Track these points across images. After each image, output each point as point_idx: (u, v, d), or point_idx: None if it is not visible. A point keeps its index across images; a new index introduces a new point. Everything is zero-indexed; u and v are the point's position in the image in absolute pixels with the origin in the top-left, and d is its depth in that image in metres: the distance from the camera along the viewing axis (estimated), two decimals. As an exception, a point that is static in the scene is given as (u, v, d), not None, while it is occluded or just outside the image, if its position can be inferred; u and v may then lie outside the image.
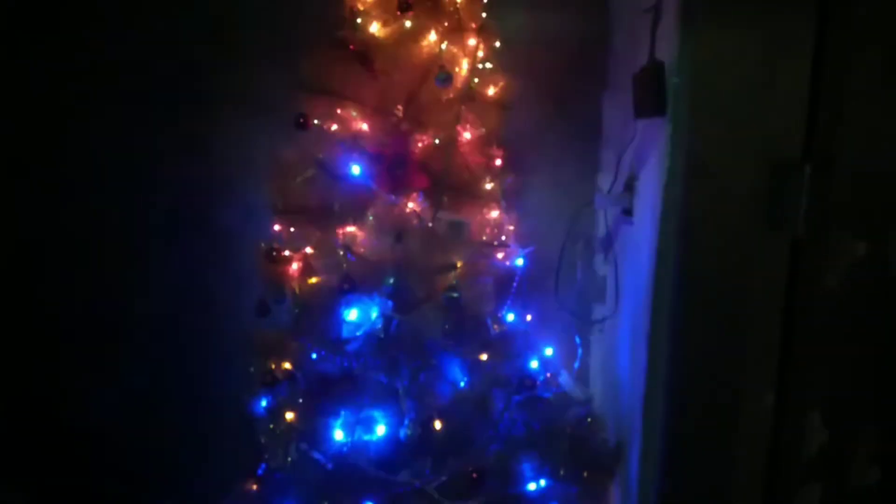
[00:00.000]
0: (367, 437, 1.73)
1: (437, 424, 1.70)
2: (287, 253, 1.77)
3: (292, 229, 1.77)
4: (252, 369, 1.81)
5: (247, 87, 2.19)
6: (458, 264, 1.70)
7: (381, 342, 1.72)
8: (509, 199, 1.82)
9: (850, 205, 1.12)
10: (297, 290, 1.76)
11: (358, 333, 1.72)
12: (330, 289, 1.72)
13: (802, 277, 1.15)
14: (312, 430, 1.75)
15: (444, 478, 1.74)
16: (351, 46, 1.71)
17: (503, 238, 1.82)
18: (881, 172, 1.12)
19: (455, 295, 1.65)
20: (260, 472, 1.85)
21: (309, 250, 1.77)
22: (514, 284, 1.82)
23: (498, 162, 1.80)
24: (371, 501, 1.74)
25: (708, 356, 1.21)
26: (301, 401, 1.77)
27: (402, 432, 1.70)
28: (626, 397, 1.69)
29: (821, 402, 1.17)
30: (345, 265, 1.70)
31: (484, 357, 1.77)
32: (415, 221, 1.68)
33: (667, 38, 1.28)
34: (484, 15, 1.74)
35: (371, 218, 1.69)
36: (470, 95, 1.71)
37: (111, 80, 2.31)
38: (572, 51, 2.00)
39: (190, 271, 2.38)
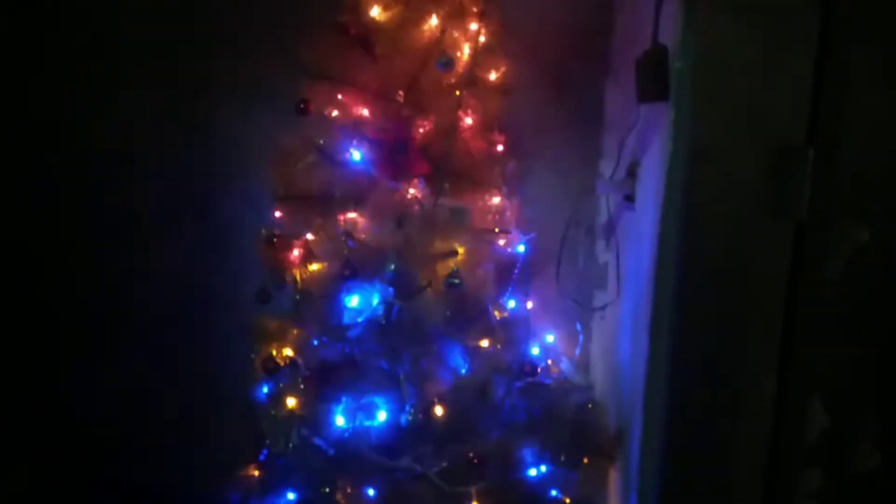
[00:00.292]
0: (368, 423, 1.73)
1: (439, 410, 1.70)
2: (288, 239, 1.77)
3: (293, 216, 1.77)
4: (253, 356, 1.82)
5: (247, 72, 2.18)
6: (460, 251, 1.70)
7: (382, 328, 1.72)
8: (511, 185, 1.81)
9: (854, 190, 1.11)
10: (297, 277, 1.76)
11: (359, 320, 1.72)
12: (331, 275, 1.72)
13: (805, 263, 1.14)
14: (314, 416, 1.76)
15: (444, 463, 1.75)
16: (351, 31, 1.70)
17: (504, 224, 1.81)
18: (886, 157, 1.11)
19: (456, 281, 1.65)
20: (262, 457, 1.86)
21: (310, 237, 1.76)
22: (516, 271, 1.81)
23: (499, 148, 1.79)
24: (372, 487, 1.75)
25: (709, 342, 1.21)
26: (302, 387, 1.78)
27: (404, 418, 1.70)
28: (626, 384, 1.70)
29: (822, 387, 1.17)
30: (346, 251, 1.70)
31: (485, 343, 1.77)
32: (416, 207, 1.68)
33: (670, 22, 1.27)
34: (485, -1, 1.72)
35: (372, 204, 1.68)
36: (471, 80, 1.70)
37: (109, 66, 2.29)
38: (575, 35, 1.98)
39: (190, 258, 2.38)
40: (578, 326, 2.08)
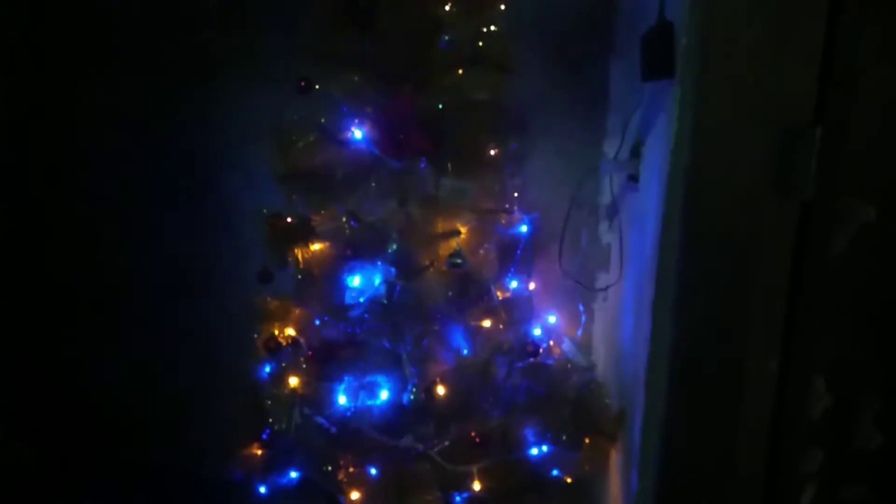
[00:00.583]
0: (370, 403, 1.74)
1: (440, 390, 1.71)
2: (290, 219, 1.76)
3: (295, 196, 1.76)
4: (255, 335, 1.82)
5: (248, 50, 2.16)
6: (462, 230, 1.69)
7: (384, 308, 1.72)
8: (514, 164, 1.80)
9: (859, 168, 1.10)
10: (299, 257, 1.76)
11: (361, 300, 1.72)
12: (333, 255, 1.72)
13: (810, 242, 1.14)
14: (316, 396, 1.77)
15: (446, 443, 1.76)
16: (354, 8, 1.67)
17: (507, 204, 1.81)
18: (892, 135, 1.10)
19: (458, 261, 1.64)
20: (264, 436, 1.87)
21: (312, 216, 1.76)
22: (518, 251, 1.81)
23: (503, 127, 1.77)
24: (374, 465, 1.76)
25: (712, 322, 1.20)
26: (304, 366, 1.78)
27: (405, 397, 1.71)
28: (628, 365, 1.70)
29: (825, 367, 1.17)
30: (348, 231, 1.70)
31: (487, 323, 1.77)
32: (418, 187, 1.67)
33: (677, -2, 1.25)
34: (489, -25, 1.70)
35: (374, 183, 1.68)
36: (475, 58, 1.68)
37: (109, 46, 2.28)
38: (579, 13, 1.96)
39: (192, 239, 2.38)
40: (581, 307, 2.08)
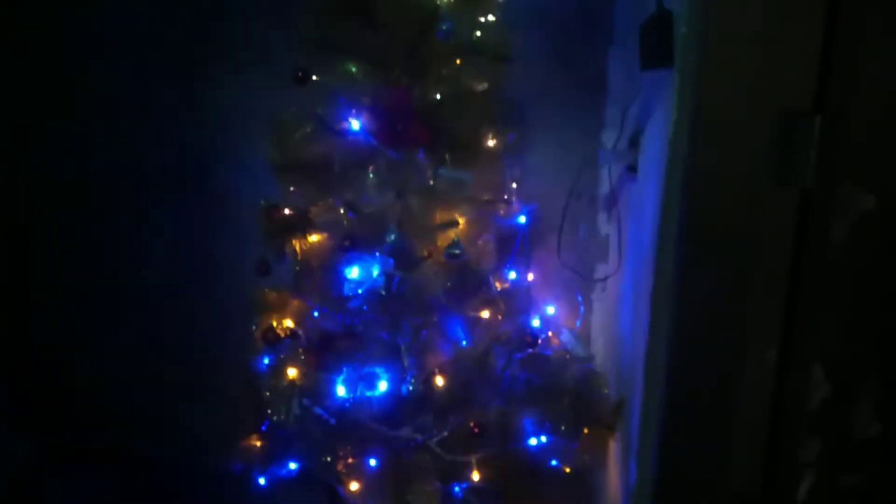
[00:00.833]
0: (369, 393, 1.74)
1: (439, 381, 1.71)
2: (287, 211, 1.76)
3: (292, 187, 1.76)
4: (254, 327, 1.82)
5: (245, 41, 2.15)
6: (460, 221, 1.69)
7: (382, 299, 1.72)
8: (512, 155, 1.79)
9: (859, 157, 1.10)
10: (297, 248, 1.76)
11: (359, 291, 1.72)
12: (331, 246, 1.72)
13: (809, 231, 1.13)
14: (315, 387, 1.77)
15: (445, 433, 1.76)
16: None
17: (505, 195, 1.80)
18: (893, 124, 1.09)
19: (457, 252, 1.64)
20: (263, 427, 1.87)
21: (309, 208, 1.75)
22: (517, 242, 1.81)
23: (501, 117, 1.76)
24: (373, 456, 1.76)
25: (711, 312, 1.20)
26: (303, 357, 1.79)
27: (404, 388, 1.71)
28: (627, 355, 1.70)
29: (824, 355, 1.17)
30: (345, 222, 1.70)
31: (486, 314, 1.77)
32: (416, 178, 1.66)
33: (676, -14, 1.24)
34: (486, -35, 1.69)
35: (372, 174, 1.67)
36: (472, 49, 1.67)
37: (106, 37, 2.26)
38: (577, 2, 1.95)
39: (190, 230, 2.37)
40: (579, 298, 2.08)
